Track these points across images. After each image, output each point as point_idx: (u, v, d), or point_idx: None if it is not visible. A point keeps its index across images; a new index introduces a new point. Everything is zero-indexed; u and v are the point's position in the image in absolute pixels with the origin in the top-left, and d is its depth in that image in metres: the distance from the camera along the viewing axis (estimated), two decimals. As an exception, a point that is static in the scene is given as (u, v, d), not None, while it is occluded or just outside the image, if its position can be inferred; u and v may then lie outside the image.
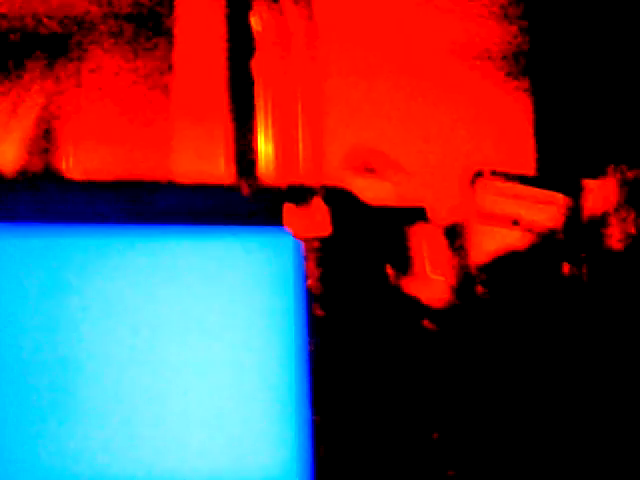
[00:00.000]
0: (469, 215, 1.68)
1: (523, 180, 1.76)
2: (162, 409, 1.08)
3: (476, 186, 1.72)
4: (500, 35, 3.08)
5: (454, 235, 1.67)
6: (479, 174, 1.75)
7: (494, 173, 1.78)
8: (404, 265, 1.48)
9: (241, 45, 3.42)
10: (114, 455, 1.04)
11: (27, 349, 1.04)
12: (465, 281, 1.54)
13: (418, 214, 1.63)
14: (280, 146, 3.14)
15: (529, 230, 1.63)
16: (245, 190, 1.12)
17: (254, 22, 3.32)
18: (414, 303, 1.42)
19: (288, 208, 1.14)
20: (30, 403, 1.04)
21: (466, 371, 1.37)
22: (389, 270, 1.40)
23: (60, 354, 1.04)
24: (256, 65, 3.22)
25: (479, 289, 1.53)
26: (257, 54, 3.24)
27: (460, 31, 3.08)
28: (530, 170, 2.67)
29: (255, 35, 3.30)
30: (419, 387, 1.26)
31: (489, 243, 1.64)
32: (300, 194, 1.18)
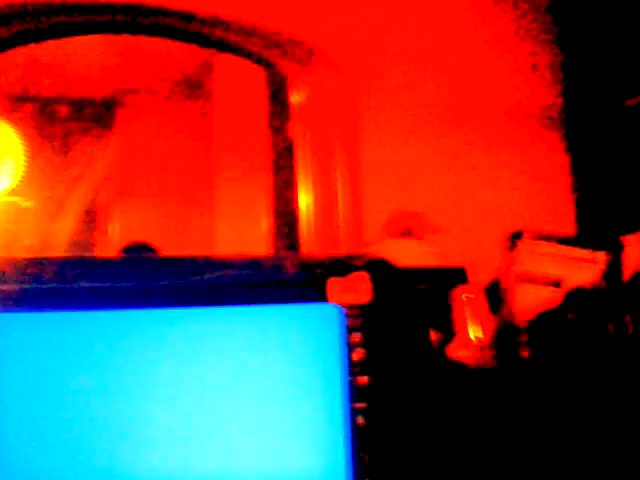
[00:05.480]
0: (510, 275, 1.70)
1: (563, 240, 1.78)
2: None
3: (516, 246, 1.74)
4: (535, 95, 3.12)
5: (495, 295, 1.68)
6: (518, 235, 1.77)
7: (533, 233, 1.80)
8: (446, 328, 1.50)
9: (279, 113, 3.53)
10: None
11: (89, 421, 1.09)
12: (507, 342, 1.55)
13: (459, 275, 1.65)
14: (320, 211, 3.20)
15: (570, 289, 1.64)
16: (290, 268, 1.16)
17: (291, 94, 3.40)
18: (457, 366, 1.43)
19: (330, 279, 1.17)
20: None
21: (510, 433, 1.37)
22: (431, 334, 1.42)
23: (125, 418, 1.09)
24: (294, 132, 3.31)
25: (521, 349, 1.54)
26: (294, 122, 3.33)
27: (496, 91, 3.13)
28: (569, 228, 2.68)
29: (292, 106, 3.38)
30: (463, 451, 1.27)
31: (532, 301, 1.65)
32: (342, 265, 1.22)
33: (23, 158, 4.04)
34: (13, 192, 3.97)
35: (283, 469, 1.13)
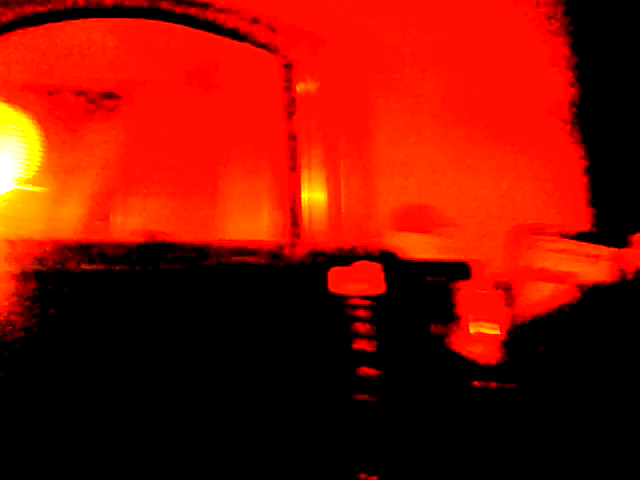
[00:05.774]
0: (520, 269, 1.68)
1: (575, 236, 1.76)
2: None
3: (527, 242, 1.72)
4: (550, 89, 3.10)
5: (505, 289, 1.66)
6: (530, 230, 1.75)
7: (546, 229, 1.78)
8: (456, 322, 1.48)
9: (289, 103, 3.52)
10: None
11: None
12: (518, 337, 1.54)
13: (469, 269, 1.63)
14: (328, 203, 3.19)
15: (580, 285, 1.62)
16: (297, 258, 1.15)
17: (300, 85, 3.40)
18: (463, 359, 1.41)
19: (337, 269, 1.16)
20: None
21: (519, 429, 1.35)
22: (437, 327, 1.41)
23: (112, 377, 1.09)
24: (301, 124, 3.30)
25: (532, 345, 1.52)
26: (303, 113, 3.32)
27: (510, 85, 3.11)
28: (583, 224, 2.65)
29: (301, 97, 3.38)
30: (467, 445, 1.25)
31: (540, 297, 1.63)
32: (351, 256, 1.21)
33: (37, 147, 4.03)
34: (26, 181, 3.97)
35: (283, 468, 1.12)
